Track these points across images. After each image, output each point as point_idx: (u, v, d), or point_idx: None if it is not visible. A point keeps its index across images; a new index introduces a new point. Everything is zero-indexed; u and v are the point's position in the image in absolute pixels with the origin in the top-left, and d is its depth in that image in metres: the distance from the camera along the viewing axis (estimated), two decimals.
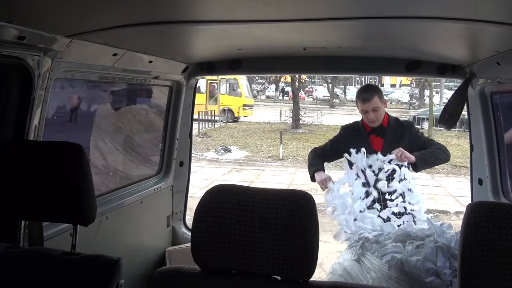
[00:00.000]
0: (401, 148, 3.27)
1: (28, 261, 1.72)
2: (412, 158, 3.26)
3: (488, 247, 1.33)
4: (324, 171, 3.51)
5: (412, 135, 3.47)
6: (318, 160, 3.57)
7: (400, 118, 3.66)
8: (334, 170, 16.35)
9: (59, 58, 2.11)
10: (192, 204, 3.11)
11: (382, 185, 3.25)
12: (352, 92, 42.81)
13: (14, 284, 1.68)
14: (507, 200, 2.97)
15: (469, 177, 3.46)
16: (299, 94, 27.65)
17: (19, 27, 1.77)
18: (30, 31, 1.83)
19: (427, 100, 27.36)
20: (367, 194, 3.25)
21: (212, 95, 26.34)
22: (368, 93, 3.40)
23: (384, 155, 3.29)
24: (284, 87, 40.25)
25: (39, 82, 2.06)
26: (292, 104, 26.17)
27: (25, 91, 2.06)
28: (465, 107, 3.13)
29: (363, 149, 3.25)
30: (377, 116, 3.42)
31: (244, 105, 26.61)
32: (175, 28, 2.19)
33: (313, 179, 3.47)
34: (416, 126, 3.41)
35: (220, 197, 1.54)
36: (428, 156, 3.36)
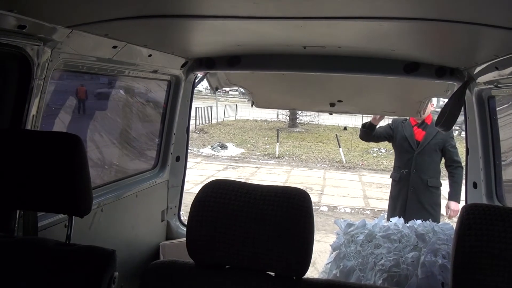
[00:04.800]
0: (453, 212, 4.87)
1: (22, 251, 1.71)
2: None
3: (481, 249, 1.34)
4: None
5: (445, 135, 4.68)
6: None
7: None
8: (329, 170, 16.31)
9: (59, 49, 2.10)
10: (187, 199, 3.11)
11: None
12: None
13: (7, 273, 1.67)
14: (501, 204, 2.99)
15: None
16: None
17: (19, 16, 1.76)
18: (30, 20, 1.82)
19: None
20: None
21: None
22: None
23: (422, 143, 4.82)
24: None
25: (38, 72, 2.06)
26: None
27: (24, 80, 2.05)
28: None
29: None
30: None
31: None
32: (176, 22, 2.18)
33: (369, 125, 5.03)
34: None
35: (217, 192, 1.54)
36: (459, 190, 4.78)
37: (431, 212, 4.82)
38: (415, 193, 4.90)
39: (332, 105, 4.03)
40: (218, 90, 4.07)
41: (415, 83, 3.65)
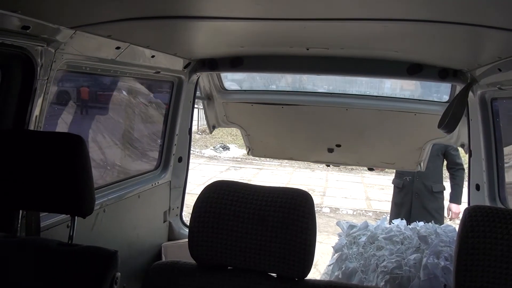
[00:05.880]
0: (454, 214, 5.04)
1: (25, 251, 1.72)
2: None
3: (484, 251, 1.34)
4: None
5: None
6: None
7: None
8: (332, 172, 16.30)
9: (62, 50, 2.11)
10: (189, 200, 3.11)
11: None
12: None
13: (9, 273, 1.68)
14: (504, 206, 2.98)
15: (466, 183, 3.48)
16: None
17: (23, 17, 1.77)
18: (34, 21, 1.83)
19: None
20: None
21: None
22: None
23: None
24: None
25: (41, 73, 2.06)
26: None
27: (27, 81, 2.05)
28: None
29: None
30: None
31: None
32: (178, 24, 2.19)
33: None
34: None
35: (219, 193, 1.54)
36: (461, 193, 4.95)
37: (436, 216, 4.84)
38: (419, 200, 4.92)
39: (330, 150, 4.00)
40: (215, 128, 4.14)
41: (415, 125, 3.66)
